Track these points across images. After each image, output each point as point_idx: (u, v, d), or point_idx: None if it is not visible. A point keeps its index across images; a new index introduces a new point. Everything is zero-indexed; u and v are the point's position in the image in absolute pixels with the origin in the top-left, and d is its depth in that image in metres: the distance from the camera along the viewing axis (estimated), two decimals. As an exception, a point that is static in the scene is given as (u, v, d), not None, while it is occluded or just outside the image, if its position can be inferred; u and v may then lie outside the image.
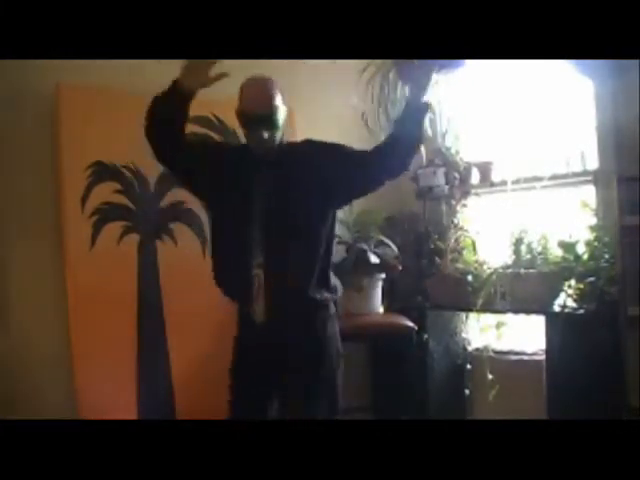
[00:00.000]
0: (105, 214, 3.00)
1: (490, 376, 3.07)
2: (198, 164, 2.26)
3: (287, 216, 2.15)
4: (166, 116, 2.14)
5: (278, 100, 2.14)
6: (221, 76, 2.11)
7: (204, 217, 3.15)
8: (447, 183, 3.46)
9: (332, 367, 2.22)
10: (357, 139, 3.40)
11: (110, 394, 2.87)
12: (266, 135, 2.12)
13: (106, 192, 3.00)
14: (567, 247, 2.88)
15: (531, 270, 2.94)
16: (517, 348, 3.26)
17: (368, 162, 2.20)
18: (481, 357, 3.23)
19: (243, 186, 2.20)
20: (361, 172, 2.20)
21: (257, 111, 2.11)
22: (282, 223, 2.15)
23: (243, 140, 2.29)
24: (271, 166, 2.20)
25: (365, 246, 3.21)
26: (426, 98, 2.17)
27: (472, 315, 3.32)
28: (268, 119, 2.11)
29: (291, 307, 2.18)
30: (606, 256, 2.80)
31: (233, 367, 2.29)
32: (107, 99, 3.02)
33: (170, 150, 2.20)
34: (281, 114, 2.15)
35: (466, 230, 3.41)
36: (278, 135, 2.17)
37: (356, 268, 3.21)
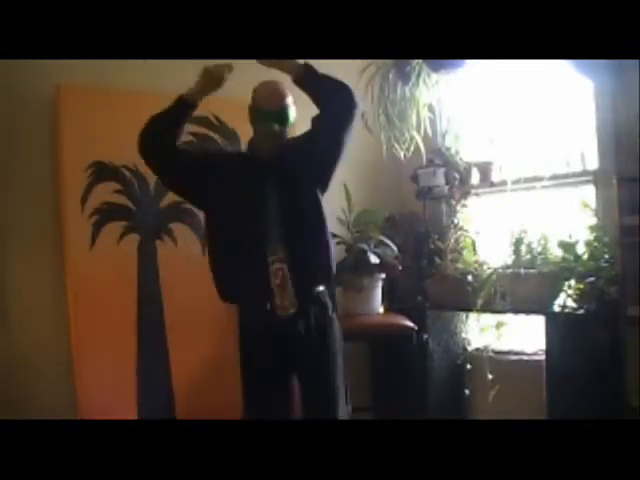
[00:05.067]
0: (105, 214, 2.99)
1: (490, 376, 3.06)
2: (197, 175, 2.32)
3: (297, 211, 2.28)
4: (166, 133, 2.27)
5: (289, 99, 2.30)
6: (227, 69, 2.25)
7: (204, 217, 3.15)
8: (447, 183, 3.46)
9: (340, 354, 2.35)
10: (357, 139, 3.41)
11: (110, 394, 2.87)
12: (277, 129, 2.26)
13: (106, 192, 3.00)
14: (567, 247, 2.88)
15: (531, 270, 2.93)
16: (517, 348, 3.25)
17: (321, 123, 2.31)
18: (481, 357, 3.23)
19: (248, 189, 2.29)
20: (321, 134, 2.32)
21: (271, 106, 2.27)
22: (295, 219, 2.27)
23: (243, 141, 2.33)
24: (273, 168, 2.30)
25: (365, 246, 3.21)
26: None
27: (472, 315, 3.32)
28: (281, 114, 2.27)
29: (312, 298, 2.30)
30: (606, 256, 2.80)
31: (248, 365, 2.34)
32: (107, 99, 3.01)
33: (169, 165, 2.33)
34: (292, 112, 2.31)
35: (466, 230, 3.40)
36: (286, 132, 2.31)
37: (356, 268, 3.21)
